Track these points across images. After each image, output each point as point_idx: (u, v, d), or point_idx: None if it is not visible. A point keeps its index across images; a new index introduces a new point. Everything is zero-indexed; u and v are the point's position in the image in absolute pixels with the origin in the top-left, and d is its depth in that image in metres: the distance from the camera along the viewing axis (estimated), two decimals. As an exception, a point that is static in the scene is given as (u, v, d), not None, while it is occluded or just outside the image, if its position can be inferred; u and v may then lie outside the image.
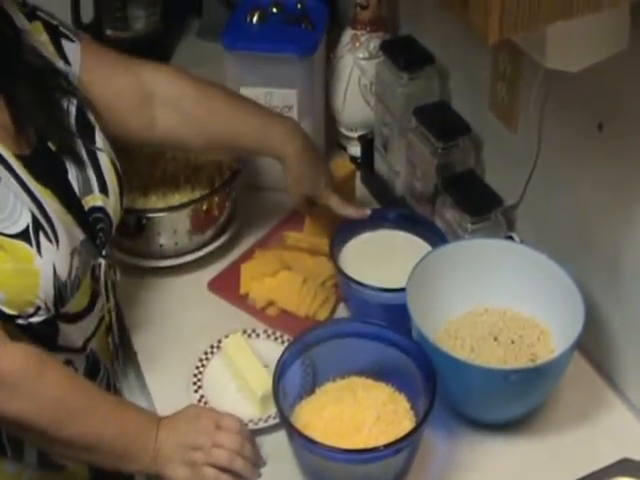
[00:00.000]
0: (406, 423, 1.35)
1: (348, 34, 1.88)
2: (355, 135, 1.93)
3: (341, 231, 1.63)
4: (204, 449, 1.34)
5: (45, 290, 1.30)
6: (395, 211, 1.68)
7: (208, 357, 1.53)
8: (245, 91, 1.75)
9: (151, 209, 1.66)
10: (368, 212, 1.65)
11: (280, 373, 1.35)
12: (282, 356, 1.37)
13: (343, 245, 1.62)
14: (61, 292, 1.32)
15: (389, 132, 1.78)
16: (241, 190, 1.79)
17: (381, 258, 1.61)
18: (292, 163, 1.60)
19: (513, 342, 1.46)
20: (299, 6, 1.82)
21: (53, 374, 1.31)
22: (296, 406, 1.39)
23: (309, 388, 1.41)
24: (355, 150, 1.93)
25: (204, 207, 1.68)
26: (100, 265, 1.43)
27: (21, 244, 1.27)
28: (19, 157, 1.32)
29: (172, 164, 1.73)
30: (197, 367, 1.52)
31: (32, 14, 1.45)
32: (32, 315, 1.30)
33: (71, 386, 1.33)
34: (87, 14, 2.12)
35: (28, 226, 1.28)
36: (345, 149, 1.97)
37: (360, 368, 1.42)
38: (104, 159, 1.44)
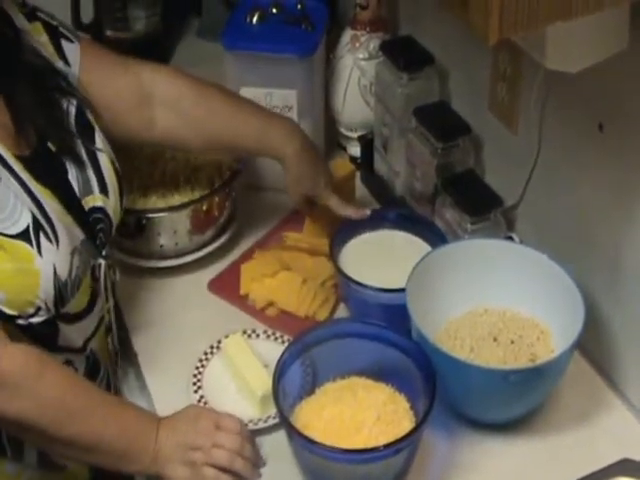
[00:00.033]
0: (406, 423, 1.35)
1: (348, 34, 1.88)
2: (355, 135, 1.93)
3: (341, 231, 1.63)
4: (204, 449, 1.34)
5: (45, 290, 1.30)
6: (395, 211, 1.68)
7: (208, 357, 1.53)
8: (245, 91, 1.75)
9: (151, 209, 1.66)
10: (368, 212, 1.65)
11: (280, 373, 1.35)
12: (282, 356, 1.37)
13: (343, 245, 1.62)
14: (61, 292, 1.32)
15: (389, 132, 1.78)
16: (241, 190, 1.79)
17: (381, 258, 1.61)
18: (291, 163, 1.60)
19: (513, 342, 1.46)
20: (299, 6, 1.82)
21: (53, 374, 1.31)
22: (296, 406, 1.39)
23: (309, 388, 1.41)
24: (355, 150, 1.93)
25: (204, 207, 1.68)
26: (100, 265, 1.43)
27: (21, 244, 1.27)
28: (19, 157, 1.32)
29: (172, 164, 1.73)
30: (197, 367, 1.52)
31: (32, 15, 1.45)
32: (32, 315, 1.30)
33: (71, 386, 1.33)
34: (87, 14, 2.12)
35: (28, 226, 1.28)
36: (345, 149, 1.97)
37: (360, 368, 1.42)
38: (104, 159, 1.44)
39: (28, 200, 1.29)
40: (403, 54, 1.73)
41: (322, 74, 1.88)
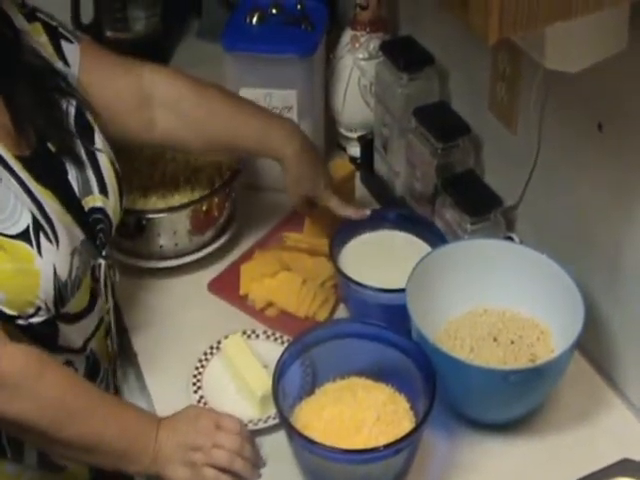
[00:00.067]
0: (406, 423, 1.35)
1: (348, 35, 1.88)
2: (355, 136, 1.93)
3: (341, 232, 1.63)
4: (204, 450, 1.34)
5: (45, 290, 1.30)
6: (395, 211, 1.68)
7: (208, 358, 1.53)
8: (245, 92, 1.75)
9: (151, 210, 1.66)
10: (368, 212, 1.65)
11: (280, 374, 1.35)
12: (282, 357, 1.37)
13: (343, 246, 1.62)
14: (61, 292, 1.32)
15: (389, 132, 1.78)
16: (241, 191, 1.79)
17: (381, 259, 1.61)
18: (291, 164, 1.60)
19: (513, 342, 1.46)
20: (299, 7, 1.82)
21: (53, 375, 1.31)
22: (296, 406, 1.39)
23: (309, 388, 1.41)
24: (355, 150, 1.93)
25: (204, 208, 1.68)
26: (100, 266, 1.43)
27: (21, 244, 1.27)
28: (19, 158, 1.32)
29: (172, 165, 1.73)
30: (197, 368, 1.52)
31: (31, 15, 1.45)
32: (32, 315, 1.30)
33: (71, 387, 1.33)
34: (87, 15, 2.12)
35: (28, 226, 1.28)
36: (345, 150, 1.97)
37: (360, 368, 1.42)
38: (103, 160, 1.44)
39: (28, 200, 1.30)
40: (403, 54, 1.73)
41: (322, 74, 1.88)
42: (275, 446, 1.41)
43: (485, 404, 1.41)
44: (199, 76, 1.61)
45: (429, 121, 1.67)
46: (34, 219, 1.29)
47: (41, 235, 1.29)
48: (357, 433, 1.33)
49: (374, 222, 1.65)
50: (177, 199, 1.68)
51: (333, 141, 1.97)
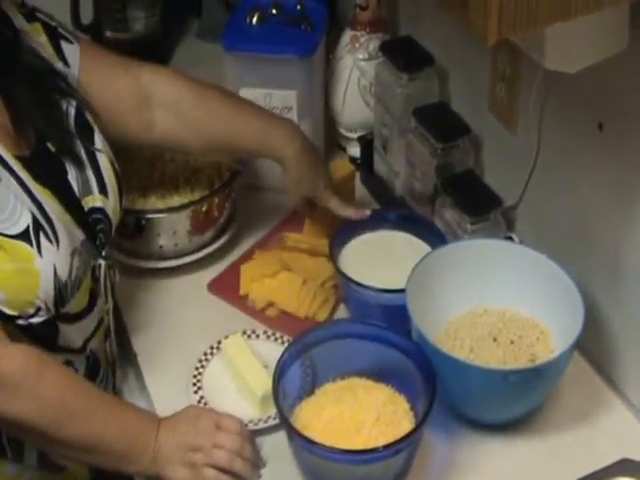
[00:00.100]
0: (406, 424, 1.35)
1: (347, 35, 1.88)
2: (355, 136, 1.93)
3: (341, 232, 1.63)
4: (204, 450, 1.34)
5: (45, 290, 1.30)
6: (395, 212, 1.68)
7: (208, 358, 1.53)
8: (245, 92, 1.75)
9: (151, 210, 1.66)
10: (368, 213, 1.65)
11: (280, 374, 1.35)
12: (282, 357, 1.37)
13: (343, 246, 1.62)
14: (61, 292, 1.32)
15: (389, 133, 1.78)
16: (241, 191, 1.79)
17: (381, 259, 1.61)
18: (291, 165, 1.60)
19: (513, 342, 1.46)
20: (298, 7, 1.82)
21: (53, 375, 1.31)
22: (296, 407, 1.39)
23: (309, 389, 1.41)
24: (355, 151, 1.93)
25: (204, 208, 1.68)
26: (100, 266, 1.43)
27: (21, 244, 1.27)
28: (19, 158, 1.32)
29: (171, 166, 1.73)
30: (197, 368, 1.52)
31: (31, 15, 1.45)
32: (32, 315, 1.30)
33: (71, 387, 1.33)
34: (87, 15, 2.12)
35: (28, 227, 1.28)
36: (345, 150, 1.97)
37: (360, 369, 1.42)
38: (103, 160, 1.44)
39: (28, 200, 1.30)
40: (403, 55, 1.73)
41: (322, 75, 1.88)
42: (275, 446, 1.41)
43: (485, 404, 1.41)
44: (199, 76, 1.61)
45: (429, 121, 1.67)
46: (34, 219, 1.29)
47: (41, 235, 1.29)
48: (357, 433, 1.33)
49: (374, 222, 1.65)
50: (177, 199, 1.68)
51: (333, 141, 1.97)
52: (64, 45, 1.47)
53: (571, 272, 1.43)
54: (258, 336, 1.57)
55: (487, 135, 1.70)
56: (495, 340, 1.47)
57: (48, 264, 1.29)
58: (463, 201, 1.58)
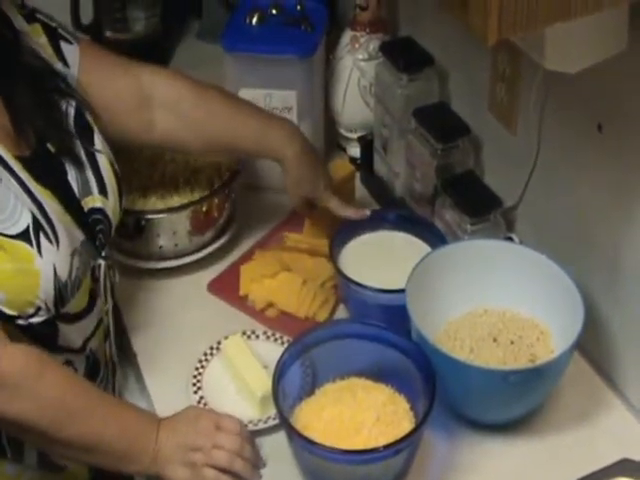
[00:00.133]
0: (406, 424, 1.35)
1: (347, 35, 1.88)
2: (355, 136, 1.93)
3: (341, 232, 1.63)
4: (204, 450, 1.34)
5: (45, 290, 1.30)
6: (395, 212, 1.68)
7: (208, 358, 1.53)
8: (245, 92, 1.75)
9: (150, 210, 1.66)
10: (367, 213, 1.65)
11: (280, 374, 1.35)
12: (282, 357, 1.37)
13: (343, 246, 1.62)
14: (61, 292, 1.32)
15: (388, 133, 1.78)
16: (240, 191, 1.79)
17: (380, 259, 1.61)
18: (291, 165, 1.60)
19: (512, 343, 1.46)
20: (298, 7, 1.82)
21: (53, 375, 1.31)
22: (296, 407, 1.39)
23: (309, 389, 1.41)
24: (355, 151, 1.93)
25: (203, 208, 1.68)
26: (100, 266, 1.43)
27: (21, 244, 1.27)
28: (19, 158, 1.32)
29: (171, 166, 1.73)
30: (197, 368, 1.52)
31: (31, 16, 1.45)
32: (32, 315, 1.30)
33: (71, 387, 1.33)
34: (87, 16, 2.12)
35: (28, 227, 1.28)
36: (345, 150, 1.97)
37: (360, 369, 1.42)
38: (103, 160, 1.44)
39: (28, 200, 1.30)
40: (403, 55, 1.74)
41: (322, 75, 1.88)
42: (275, 447, 1.41)
43: (485, 404, 1.41)
44: (199, 77, 1.61)
45: (429, 122, 1.67)
46: (34, 219, 1.29)
47: (41, 235, 1.29)
48: (357, 434, 1.33)
49: (374, 223, 1.65)
50: (176, 200, 1.68)
51: (333, 142, 1.97)
52: (64, 46, 1.47)
53: (571, 272, 1.43)
54: (258, 336, 1.57)
55: (487, 136, 1.70)
56: (495, 340, 1.47)
57: (48, 264, 1.29)
58: (463, 202, 1.58)
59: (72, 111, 1.43)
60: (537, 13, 1.00)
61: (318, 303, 1.61)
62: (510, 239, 1.59)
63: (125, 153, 1.60)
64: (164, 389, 1.52)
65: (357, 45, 1.86)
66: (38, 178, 1.33)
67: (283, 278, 1.64)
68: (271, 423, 1.43)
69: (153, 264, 1.69)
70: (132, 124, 1.55)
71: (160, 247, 1.68)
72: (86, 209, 1.41)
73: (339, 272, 1.56)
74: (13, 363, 1.27)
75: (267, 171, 1.81)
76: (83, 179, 1.41)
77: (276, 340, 1.56)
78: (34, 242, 1.28)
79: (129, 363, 1.59)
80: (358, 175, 1.87)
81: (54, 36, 1.46)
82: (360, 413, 1.36)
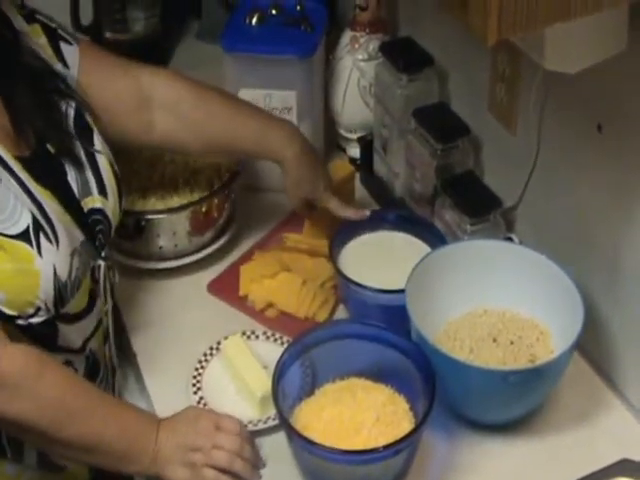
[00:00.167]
0: (405, 424, 1.35)
1: (347, 35, 1.88)
2: (354, 136, 1.93)
3: (340, 232, 1.63)
4: (204, 450, 1.34)
5: (45, 291, 1.30)
6: (394, 212, 1.68)
7: (207, 359, 1.53)
8: (244, 93, 1.75)
9: (150, 211, 1.66)
10: (367, 213, 1.65)
11: (279, 374, 1.35)
12: (281, 357, 1.37)
13: (342, 246, 1.62)
14: (61, 293, 1.32)
15: (388, 133, 1.78)
16: (240, 192, 1.79)
17: (380, 259, 1.61)
18: (291, 166, 1.60)
19: (512, 343, 1.46)
20: (298, 8, 1.82)
21: (53, 375, 1.31)
22: (295, 407, 1.39)
23: (308, 389, 1.41)
24: (354, 151, 1.93)
25: (203, 209, 1.68)
26: (100, 267, 1.43)
27: (21, 245, 1.27)
28: (19, 158, 1.32)
29: (171, 167, 1.73)
30: (196, 369, 1.52)
31: (31, 16, 1.45)
32: (32, 316, 1.30)
33: (71, 387, 1.33)
34: (86, 16, 2.12)
35: (28, 227, 1.28)
36: (344, 150, 1.97)
37: (359, 369, 1.42)
38: (102, 161, 1.44)
39: (28, 201, 1.30)
40: (402, 55, 1.74)
41: (321, 75, 1.88)
42: (275, 447, 1.41)
43: (485, 405, 1.41)
44: (199, 77, 1.61)
45: (428, 122, 1.67)
46: (34, 219, 1.29)
47: (41, 235, 1.29)
48: (357, 434, 1.33)
49: (374, 223, 1.65)
50: (176, 200, 1.68)
51: (333, 142, 1.97)
52: (63, 46, 1.47)
53: (571, 273, 1.43)
54: (258, 337, 1.57)
55: (487, 136, 1.70)
56: (495, 341, 1.47)
57: (48, 264, 1.29)
58: (463, 202, 1.58)
59: (72, 112, 1.44)
60: (537, 13, 1.00)
61: (318, 303, 1.61)
62: (510, 239, 1.59)
63: (125, 154, 1.60)
64: (164, 389, 1.52)
65: (357, 45, 1.86)
66: (38, 178, 1.33)
67: (283, 278, 1.64)
68: (271, 423, 1.43)
69: (153, 264, 1.69)
70: (132, 125, 1.55)
71: (160, 247, 1.68)
72: (86, 209, 1.41)
73: (339, 272, 1.56)
74: (13, 363, 1.27)
75: (267, 172, 1.81)
76: (83, 179, 1.41)
77: (276, 340, 1.56)
78: (34, 242, 1.28)
79: (129, 363, 1.59)
80: (358, 175, 1.87)
81: (54, 37, 1.46)
82: (360, 413, 1.36)
